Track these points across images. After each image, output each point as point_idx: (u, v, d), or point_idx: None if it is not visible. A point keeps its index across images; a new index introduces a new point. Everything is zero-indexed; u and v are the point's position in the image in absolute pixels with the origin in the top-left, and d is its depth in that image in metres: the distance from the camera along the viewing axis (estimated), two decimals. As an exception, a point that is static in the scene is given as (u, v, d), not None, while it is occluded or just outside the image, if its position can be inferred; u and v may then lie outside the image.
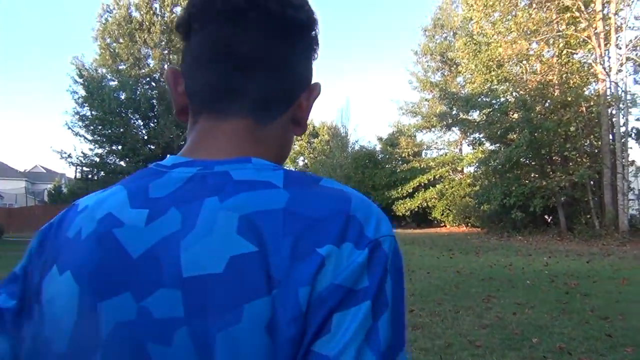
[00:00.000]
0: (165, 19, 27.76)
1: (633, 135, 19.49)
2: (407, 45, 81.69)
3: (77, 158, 28.11)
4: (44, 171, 66.09)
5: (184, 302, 0.52)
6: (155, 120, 28.69)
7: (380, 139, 37.72)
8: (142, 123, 29.43)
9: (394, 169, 33.02)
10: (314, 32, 0.71)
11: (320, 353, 0.49)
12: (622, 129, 19.30)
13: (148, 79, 28.75)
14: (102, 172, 29.17)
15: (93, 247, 0.58)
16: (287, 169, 0.64)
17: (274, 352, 0.49)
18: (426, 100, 33.85)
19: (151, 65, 28.30)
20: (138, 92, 27.76)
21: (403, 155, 32.85)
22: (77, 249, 0.59)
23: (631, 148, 21.14)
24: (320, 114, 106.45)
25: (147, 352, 0.52)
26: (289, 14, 0.66)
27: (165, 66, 27.69)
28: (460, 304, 7.20)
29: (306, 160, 55.83)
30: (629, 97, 19.07)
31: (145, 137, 28.36)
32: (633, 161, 20.62)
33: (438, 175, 30.78)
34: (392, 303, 0.54)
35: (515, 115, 20.91)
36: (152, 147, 27.46)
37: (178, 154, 0.69)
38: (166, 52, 28.21)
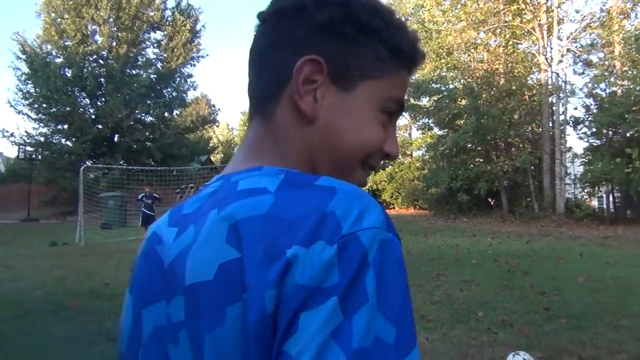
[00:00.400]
0: (114, -6, 26.96)
1: (571, 123, 20.66)
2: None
3: (21, 137, 27.12)
4: (-20, 150, 63.26)
5: (185, 307, 0.58)
6: (104, 100, 27.93)
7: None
8: (89, 102, 28.56)
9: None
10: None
11: (287, 352, 0.49)
12: (562, 117, 20.42)
13: (95, 56, 27.83)
14: (47, 152, 28.16)
15: (142, 262, 0.68)
16: (295, 171, 0.62)
17: (247, 352, 0.52)
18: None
19: (99, 42, 27.39)
20: (85, 70, 26.88)
21: (355, 138, 33.43)
22: (136, 265, 0.71)
23: (569, 135, 22.43)
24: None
25: (167, 351, 0.60)
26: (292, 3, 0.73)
27: (114, 43, 27.16)
28: (411, 282, 7.62)
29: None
30: (568, 87, 20.16)
31: (93, 117, 27.48)
32: (570, 147, 21.88)
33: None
34: (377, 298, 0.50)
35: (463, 102, 21.72)
36: (101, 127, 26.59)
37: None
38: (115, 29, 27.34)
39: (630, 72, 18.14)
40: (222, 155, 48.09)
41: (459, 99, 22.19)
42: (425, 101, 25.43)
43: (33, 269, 9.46)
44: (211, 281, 0.55)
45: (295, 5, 0.65)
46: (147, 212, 13.64)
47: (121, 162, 25.33)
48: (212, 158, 45.39)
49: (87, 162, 29.12)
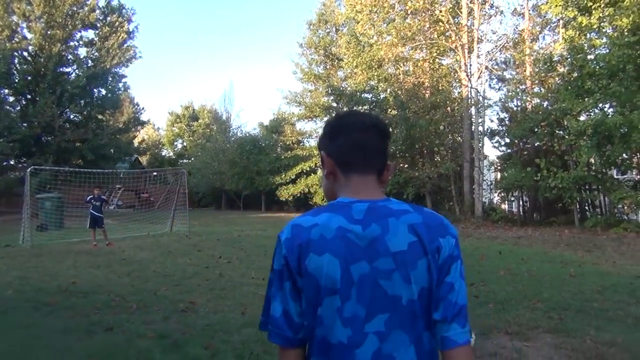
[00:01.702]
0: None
1: (487, 134, 22.61)
2: (293, 37, 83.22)
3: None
4: None
5: (394, 261, 1.17)
6: (31, 98, 27.04)
7: (263, 126, 38.69)
8: (14, 100, 27.51)
9: (278, 155, 34.23)
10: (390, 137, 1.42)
11: (446, 280, 1.18)
12: (480, 129, 22.32)
13: (25, 53, 26.90)
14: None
15: (339, 241, 1.19)
16: (398, 200, 1.30)
17: (430, 278, 1.17)
18: (309, 91, 35.38)
19: (29, 39, 26.50)
20: (12, 67, 25.93)
21: (287, 142, 34.21)
22: (327, 243, 1.19)
23: (486, 145, 24.45)
24: (200, 97, 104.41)
25: (379, 284, 1.17)
26: (383, 128, 1.36)
27: (44, 42, 26.33)
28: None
29: (185, 143, 54.90)
30: (486, 101, 22.07)
31: (21, 116, 26.53)
32: (487, 156, 23.89)
33: (319, 163, 32.60)
34: (461, 260, 1.24)
35: (394, 112, 23.11)
36: (29, 126, 25.70)
37: (343, 196, 1.31)
38: (46, 26, 26.50)
39: (539, 91, 20.23)
40: (149, 156, 47.18)
41: (389, 110, 23.54)
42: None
43: (-11, 270, 9.52)
44: (406, 250, 1.18)
45: (387, 133, 1.37)
46: (96, 213, 13.75)
47: (51, 163, 24.61)
48: (140, 159, 44.60)
49: (11, 161, 28.10)
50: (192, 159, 45.99)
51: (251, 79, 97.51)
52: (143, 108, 59.27)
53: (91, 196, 13.96)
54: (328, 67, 35.06)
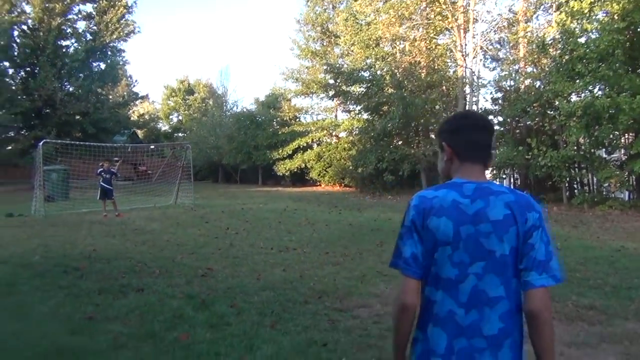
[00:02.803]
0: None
1: (482, 113, 23.11)
2: (291, 13, 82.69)
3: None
4: None
5: (492, 226, 1.67)
6: (31, 71, 27.24)
7: (259, 101, 39.00)
8: (14, 72, 27.71)
9: (275, 130, 34.68)
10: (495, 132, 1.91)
11: (529, 242, 1.67)
12: (474, 107, 22.87)
13: (25, 26, 26.98)
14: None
15: (453, 209, 1.70)
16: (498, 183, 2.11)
17: (518, 240, 1.67)
18: (306, 67, 35.64)
19: (29, 13, 26.58)
20: (12, 41, 26.04)
21: (284, 118, 34.64)
22: (444, 210, 1.70)
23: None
24: (196, 72, 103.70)
25: (480, 241, 1.68)
26: (492, 129, 1.87)
27: (45, 17, 26.38)
28: (361, 248, 9.34)
29: (181, 117, 55.07)
30: (481, 81, 22.60)
31: (21, 89, 26.75)
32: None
33: (316, 139, 33.19)
34: (545, 229, 1.70)
35: (390, 91, 23.57)
36: (31, 99, 25.93)
37: (457, 177, 1.80)
38: (46, 1, 26.53)
39: (532, 71, 20.76)
40: (146, 130, 47.36)
41: (386, 88, 23.98)
42: (354, 88, 26.88)
43: (11, 238, 9.99)
44: (501, 220, 1.68)
45: (489, 127, 1.87)
46: (106, 186, 14.30)
47: (53, 136, 24.97)
48: (137, 132, 44.82)
49: (10, 133, 28.45)
50: (188, 132, 46.24)
51: (247, 54, 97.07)
52: (136, 80, 59.16)
53: (101, 169, 14.49)
54: (325, 43, 35.28)
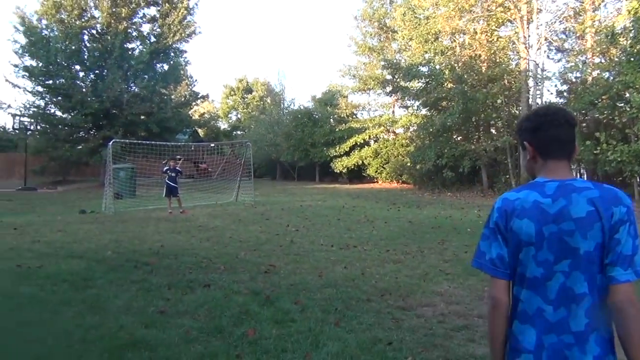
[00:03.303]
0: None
1: (546, 106, 22.30)
2: (348, 10, 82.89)
3: (18, 109, 27.66)
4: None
5: (575, 224, 1.67)
6: (99, 73, 28.53)
7: (316, 99, 39.18)
8: (84, 75, 29.10)
9: (332, 127, 34.78)
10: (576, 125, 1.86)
11: (615, 237, 1.65)
12: (538, 101, 22.12)
13: (94, 31, 28.28)
14: (44, 124, 28.77)
15: (534, 210, 1.72)
16: (583, 179, 1.85)
17: (603, 236, 1.66)
18: (364, 64, 35.52)
19: (98, 18, 27.82)
20: (83, 45, 27.36)
21: (341, 115, 34.69)
22: (526, 211, 1.73)
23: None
24: (254, 71, 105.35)
25: (564, 240, 1.69)
26: (573, 122, 1.82)
27: (113, 22, 27.58)
28: (422, 246, 9.26)
29: (240, 115, 56.10)
30: (545, 74, 21.80)
31: (91, 91, 28.06)
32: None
33: (373, 135, 33.05)
34: (634, 223, 1.67)
35: (450, 85, 23.15)
36: (99, 101, 27.16)
37: (540, 176, 1.81)
38: (113, 5, 27.70)
39: (600, 62, 19.84)
40: (206, 128, 48.59)
41: (446, 83, 23.58)
42: (412, 83, 26.57)
43: (85, 234, 10.47)
44: (584, 217, 1.67)
45: (572, 121, 1.82)
46: (171, 183, 14.82)
47: (120, 135, 26.08)
48: (197, 131, 46.06)
49: (81, 133, 29.90)
50: (246, 130, 47.07)
51: (304, 52, 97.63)
52: (196, 80, 60.63)
53: (167, 167, 15.01)
54: (382, 39, 35.05)
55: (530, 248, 1.72)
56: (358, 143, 32.82)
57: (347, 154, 33.08)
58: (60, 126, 29.21)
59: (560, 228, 1.69)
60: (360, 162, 32.37)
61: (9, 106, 27.44)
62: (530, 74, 21.91)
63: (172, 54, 31.03)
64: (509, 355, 1.79)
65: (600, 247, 1.68)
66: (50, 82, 27.25)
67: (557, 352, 1.69)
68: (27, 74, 26.92)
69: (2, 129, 40.80)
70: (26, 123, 29.15)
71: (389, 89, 29.41)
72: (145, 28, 30.47)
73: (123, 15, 27.65)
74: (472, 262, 1.90)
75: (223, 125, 56.80)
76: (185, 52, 31.84)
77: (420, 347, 4.29)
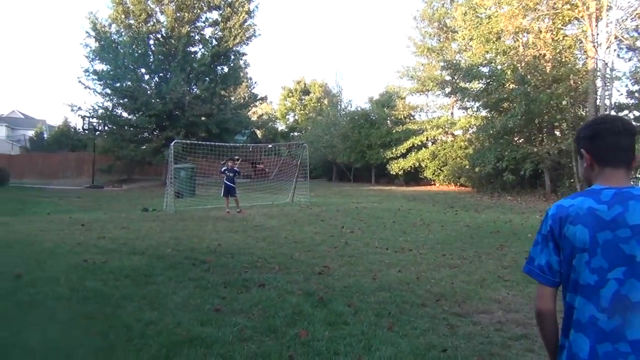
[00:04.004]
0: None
1: (615, 108, 21.34)
2: (403, 10, 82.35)
3: (87, 111, 29.06)
4: (22, 117, 65.31)
5: (631, 231, 1.64)
6: (163, 76, 29.55)
7: (373, 100, 38.99)
8: (149, 78, 30.26)
9: (389, 129, 34.52)
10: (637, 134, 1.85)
11: None
12: (606, 102, 21.14)
13: (159, 35, 29.33)
14: (111, 124, 30.08)
15: (588, 217, 1.70)
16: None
17: None
18: (422, 64, 35.08)
19: (163, 22, 28.84)
20: (149, 49, 28.42)
21: (398, 117, 34.36)
22: (580, 218, 1.71)
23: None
24: (311, 73, 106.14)
25: (620, 247, 1.65)
26: (633, 131, 1.78)
27: (176, 26, 28.54)
28: (480, 251, 9.02)
29: (297, 117, 56.66)
30: (614, 73, 20.80)
31: (155, 93, 29.11)
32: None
33: (431, 137, 32.57)
34: None
35: (511, 86, 22.47)
36: (163, 102, 28.12)
37: (597, 183, 1.79)
38: (177, 10, 28.61)
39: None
40: (264, 129, 49.37)
41: (508, 84, 22.92)
42: (472, 84, 26.01)
43: (147, 231, 10.84)
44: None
45: (632, 130, 1.79)
46: (229, 184, 15.14)
47: (182, 136, 26.87)
48: (256, 132, 46.85)
49: (145, 134, 31.05)
50: (303, 131, 47.45)
51: (362, 54, 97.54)
52: (256, 82, 61.76)
53: (225, 167, 15.35)
54: (442, 39, 34.54)
55: (583, 254, 1.71)
56: (415, 145, 32.43)
57: (404, 155, 32.75)
58: (126, 127, 30.49)
59: (616, 235, 1.67)
60: (417, 164, 31.96)
61: (79, 108, 28.85)
62: (599, 73, 20.96)
63: (232, 57, 31.75)
64: None
65: None
66: (118, 84, 28.47)
67: None
68: (96, 77, 28.22)
69: (73, 130, 43.08)
70: (95, 124, 30.60)
71: (448, 90, 28.88)
72: (207, 32, 31.38)
73: (186, 19, 28.54)
74: (523, 268, 1.94)
75: (280, 126, 57.57)
76: (245, 54, 32.50)
77: (476, 355, 4.18)
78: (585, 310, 1.70)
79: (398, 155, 32.87)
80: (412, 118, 35.45)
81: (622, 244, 1.65)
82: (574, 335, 1.73)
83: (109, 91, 28.82)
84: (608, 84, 20.97)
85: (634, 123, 20.58)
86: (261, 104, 42.37)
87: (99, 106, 29.47)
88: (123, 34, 28.64)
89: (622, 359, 1.63)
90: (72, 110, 28.61)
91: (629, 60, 22.99)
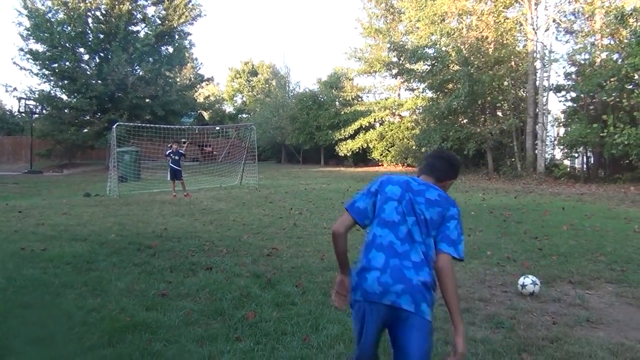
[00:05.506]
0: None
1: (553, 89, 22.14)
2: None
3: (23, 92, 27.65)
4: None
5: (424, 202, 2.47)
6: (103, 56, 28.43)
7: (321, 81, 38.97)
8: (89, 58, 29.05)
9: (337, 111, 34.62)
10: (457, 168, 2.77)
11: (444, 232, 2.43)
12: (545, 83, 21.90)
13: (97, 13, 28.10)
14: (49, 107, 28.78)
15: (403, 184, 2.55)
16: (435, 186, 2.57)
17: (439, 222, 2.44)
18: (370, 46, 35.21)
19: (102, -1, 27.66)
20: (87, 27, 27.22)
21: (346, 98, 34.49)
22: (397, 184, 2.56)
23: (550, 100, 23.88)
24: (259, 54, 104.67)
25: (412, 202, 2.47)
26: (455, 162, 2.74)
27: (116, 3, 27.43)
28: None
29: (245, 98, 55.93)
30: (553, 56, 21.54)
31: (95, 74, 27.99)
32: (550, 111, 23.47)
33: (378, 118, 32.89)
34: (459, 220, 2.48)
35: (456, 68, 22.91)
36: (104, 84, 27.10)
37: (416, 177, 2.70)
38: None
39: (609, 44, 19.56)
40: (211, 111, 48.49)
41: (452, 65, 23.35)
42: (418, 66, 26.35)
43: (89, 217, 10.50)
44: (437, 199, 2.48)
45: (451, 161, 2.73)
46: (175, 167, 14.82)
47: (125, 119, 26.07)
48: (203, 114, 45.99)
49: (86, 117, 29.89)
50: (252, 113, 46.96)
51: (310, 35, 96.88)
52: (202, 63, 60.49)
53: (170, 150, 15.01)
54: (389, 21, 34.71)
55: (394, 202, 2.48)
56: (363, 126, 32.71)
57: (352, 137, 32.99)
58: (65, 109, 29.23)
59: (414, 198, 2.45)
60: (365, 145, 32.29)
61: (15, 89, 27.41)
62: (538, 55, 21.67)
63: (177, 37, 30.87)
64: (360, 273, 2.44)
65: (436, 219, 2.41)
66: (55, 65, 27.20)
67: (397, 271, 2.31)
68: (31, 57, 26.84)
69: (8, 113, 40.96)
70: (32, 106, 29.18)
71: (394, 71, 29.12)
72: (150, 10, 30.29)
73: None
74: (345, 204, 2.68)
75: (228, 108, 56.75)
76: (190, 34, 31.69)
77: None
78: (386, 237, 2.41)
79: (346, 136, 33.08)
80: (360, 99, 35.67)
81: (416, 205, 2.43)
82: (374, 252, 2.41)
83: (46, 72, 27.46)
84: (547, 65, 21.70)
85: (569, 103, 21.73)
86: (207, 85, 41.53)
87: (35, 88, 28.12)
88: (59, 11, 27.20)
89: (405, 270, 2.29)
90: (7, 91, 27.51)
91: (567, 42, 23.90)
